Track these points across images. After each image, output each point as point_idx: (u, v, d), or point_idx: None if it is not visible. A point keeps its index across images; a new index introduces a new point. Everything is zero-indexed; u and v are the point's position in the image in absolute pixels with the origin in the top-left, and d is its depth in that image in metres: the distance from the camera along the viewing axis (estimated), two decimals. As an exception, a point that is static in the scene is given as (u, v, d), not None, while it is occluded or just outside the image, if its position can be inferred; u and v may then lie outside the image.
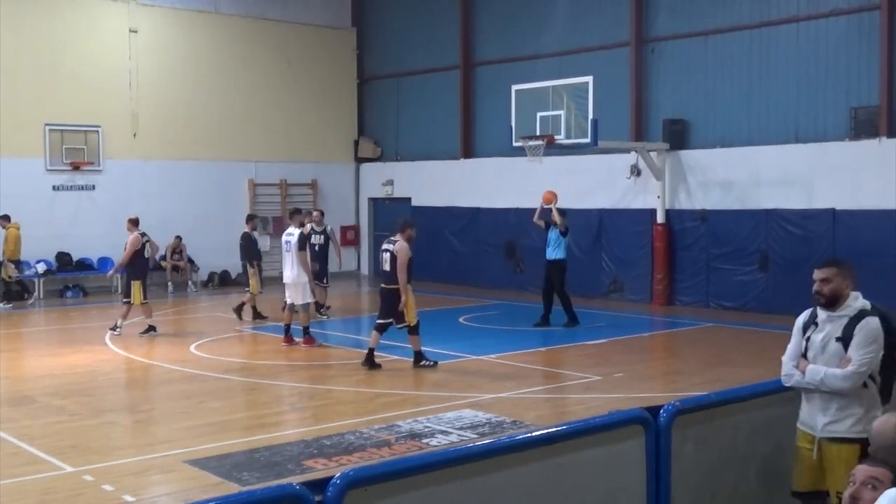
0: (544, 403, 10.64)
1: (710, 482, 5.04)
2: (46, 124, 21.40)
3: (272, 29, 24.89)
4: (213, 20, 24.04)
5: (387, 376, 12.05)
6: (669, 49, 19.78)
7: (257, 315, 16.97)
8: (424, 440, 8.81)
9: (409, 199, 24.97)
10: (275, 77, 24.84)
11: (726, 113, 18.81)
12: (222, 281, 23.40)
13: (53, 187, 21.64)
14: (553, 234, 16.00)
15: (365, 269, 26.37)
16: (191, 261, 22.87)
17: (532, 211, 17.01)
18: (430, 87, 24.84)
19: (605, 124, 17.65)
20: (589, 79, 17.19)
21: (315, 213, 17.72)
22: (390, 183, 25.69)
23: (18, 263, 19.85)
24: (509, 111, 18.56)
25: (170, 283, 22.31)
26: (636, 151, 19.35)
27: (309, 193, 25.40)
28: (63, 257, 21.66)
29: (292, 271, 14.21)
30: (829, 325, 5.11)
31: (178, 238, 22.47)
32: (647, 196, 19.61)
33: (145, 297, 15.33)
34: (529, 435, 4.35)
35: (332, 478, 3.40)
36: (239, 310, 16.96)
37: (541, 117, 17.71)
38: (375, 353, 12.38)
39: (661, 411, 4.66)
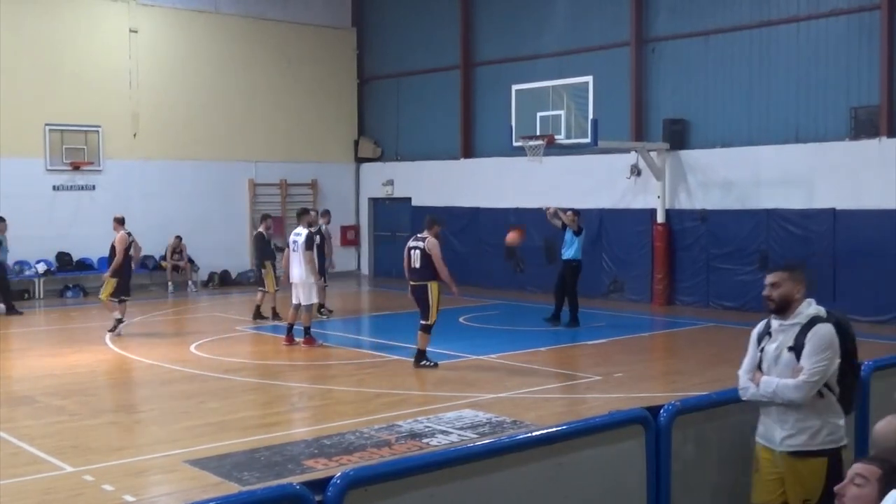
0: (544, 403, 10.63)
1: (710, 482, 5.04)
2: (46, 124, 21.39)
3: (272, 29, 24.88)
4: (213, 20, 24.03)
5: (387, 376, 12.06)
6: (669, 49, 19.78)
7: (269, 315, 16.92)
8: (425, 440, 8.81)
9: (409, 199, 24.97)
10: (275, 77, 24.83)
11: (726, 113, 18.81)
12: (222, 281, 23.43)
13: (53, 187, 21.62)
14: (568, 234, 16.11)
15: (365, 269, 26.38)
16: (191, 261, 22.86)
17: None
18: (430, 87, 24.83)
19: (605, 124, 17.64)
20: (589, 79, 17.18)
21: (311, 213, 17.72)
22: (390, 183, 25.68)
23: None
24: (509, 111, 18.55)
25: (170, 283, 22.31)
26: (636, 151, 19.34)
27: (309, 193, 25.38)
28: (63, 257, 21.66)
29: (300, 270, 14.24)
30: (781, 335, 4.95)
31: (179, 238, 22.46)
32: (648, 196, 19.61)
33: (114, 296, 15.36)
34: (530, 435, 4.35)
35: (332, 478, 3.40)
36: (257, 313, 16.98)
37: (541, 117, 17.71)
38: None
39: (662, 411, 4.66)
